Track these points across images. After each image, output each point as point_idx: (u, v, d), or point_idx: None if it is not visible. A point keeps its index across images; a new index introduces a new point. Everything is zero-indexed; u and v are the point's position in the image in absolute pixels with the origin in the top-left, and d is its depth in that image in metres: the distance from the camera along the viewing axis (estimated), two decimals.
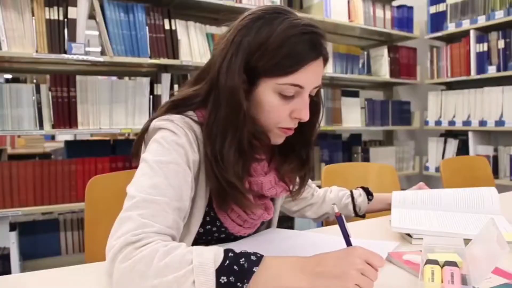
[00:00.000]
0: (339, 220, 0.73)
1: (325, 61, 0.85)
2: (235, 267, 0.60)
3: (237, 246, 0.91)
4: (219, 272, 0.59)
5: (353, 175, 1.70)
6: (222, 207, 0.86)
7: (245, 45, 0.79)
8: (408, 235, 0.99)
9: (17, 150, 4.45)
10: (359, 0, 2.97)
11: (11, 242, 1.94)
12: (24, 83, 2.08)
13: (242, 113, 0.79)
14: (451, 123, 3.10)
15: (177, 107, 0.85)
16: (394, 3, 3.27)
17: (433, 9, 3.23)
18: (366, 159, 3.13)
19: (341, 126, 2.99)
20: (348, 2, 2.91)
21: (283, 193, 0.95)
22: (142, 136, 0.85)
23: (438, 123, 3.21)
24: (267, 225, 1.08)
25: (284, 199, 1.14)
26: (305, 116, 0.83)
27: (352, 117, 3.08)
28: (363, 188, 1.26)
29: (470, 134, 2.99)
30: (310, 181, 1.22)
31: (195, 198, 0.83)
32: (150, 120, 0.84)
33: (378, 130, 3.40)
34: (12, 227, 1.98)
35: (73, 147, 2.37)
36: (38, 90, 1.94)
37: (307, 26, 0.80)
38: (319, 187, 1.61)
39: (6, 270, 1.97)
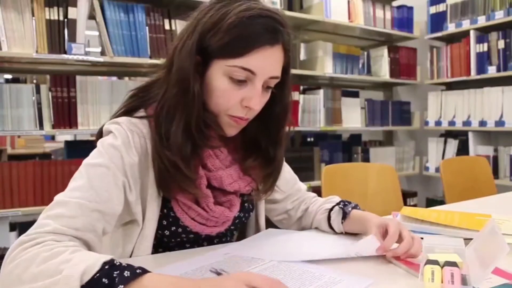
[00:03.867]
0: None
1: (286, 51, 0.82)
2: (104, 280, 0.56)
3: (232, 246, 0.91)
4: (88, 284, 0.56)
5: (353, 175, 1.71)
6: (167, 193, 0.83)
7: (200, 26, 0.78)
8: None
9: (17, 150, 4.46)
10: (359, 1, 2.97)
11: (11, 242, 1.94)
12: (24, 83, 2.09)
13: (191, 93, 0.78)
14: (451, 123, 3.10)
15: (138, 97, 0.87)
16: (394, 3, 3.27)
17: (433, 9, 3.23)
18: (366, 159, 3.13)
19: (341, 126, 2.99)
20: (348, 2, 2.91)
21: (248, 187, 0.91)
22: (98, 139, 0.84)
23: (438, 123, 3.21)
24: (255, 225, 1.05)
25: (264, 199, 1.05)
26: (255, 105, 0.80)
27: (352, 117, 3.08)
28: (346, 203, 1.02)
29: (470, 135, 2.98)
30: (308, 193, 1.14)
31: (146, 201, 0.82)
32: (112, 117, 0.85)
33: (378, 130, 3.40)
34: (12, 227, 1.98)
35: (73, 147, 2.37)
36: (38, 91, 1.93)
37: (264, 10, 0.78)
38: (319, 187, 1.61)
39: None
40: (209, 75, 0.80)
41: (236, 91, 0.79)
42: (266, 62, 0.78)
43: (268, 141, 0.91)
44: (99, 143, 0.79)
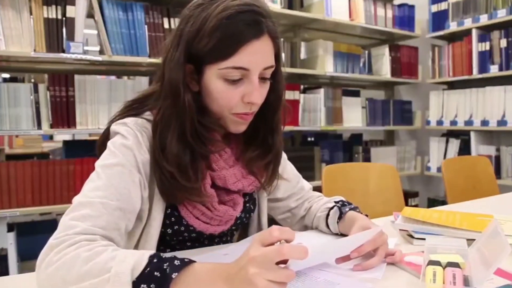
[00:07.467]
0: None
1: (273, 38, 0.81)
2: (156, 273, 0.58)
3: (232, 247, 0.90)
4: (140, 279, 0.57)
5: (354, 175, 1.69)
6: (173, 200, 0.84)
7: (184, 35, 0.78)
8: (410, 236, 0.98)
9: (15, 150, 4.45)
10: None
11: (9, 243, 1.93)
12: (22, 83, 2.06)
13: (182, 103, 0.78)
14: (453, 122, 3.09)
15: (132, 108, 0.88)
16: (396, 2, 3.26)
17: (434, 8, 3.22)
18: (367, 159, 3.11)
19: (342, 126, 2.98)
20: (349, 0, 2.90)
21: (252, 186, 0.92)
22: (105, 141, 0.84)
23: (439, 122, 3.19)
24: (257, 224, 1.04)
25: (267, 197, 1.06)
26: (256, 99, 0.80)
27: (353, 116, 3.07)
28: (345, 204, 1.00)
29: (472, 134, 2.97)
30: (311, 191, 1.14)
31: (153, 199, 0.82)
32: (109, 124, 0.86)
33: (379, 130, 3.39)
34: (10, 227, 1.97)
35: (71, 147, 2.36)
36: (36, 90, 1.93)
37: (242, 5, 0.76)
38: (320, 187, 1.60)
39: (4, 271, 1.96)
40: (205, 81, 0.81)
41: (234, 90, 0.80)
42: (257, 56, 0.78)
43: (266, 129, 0.91)
44: (109, 143, 0.80)
